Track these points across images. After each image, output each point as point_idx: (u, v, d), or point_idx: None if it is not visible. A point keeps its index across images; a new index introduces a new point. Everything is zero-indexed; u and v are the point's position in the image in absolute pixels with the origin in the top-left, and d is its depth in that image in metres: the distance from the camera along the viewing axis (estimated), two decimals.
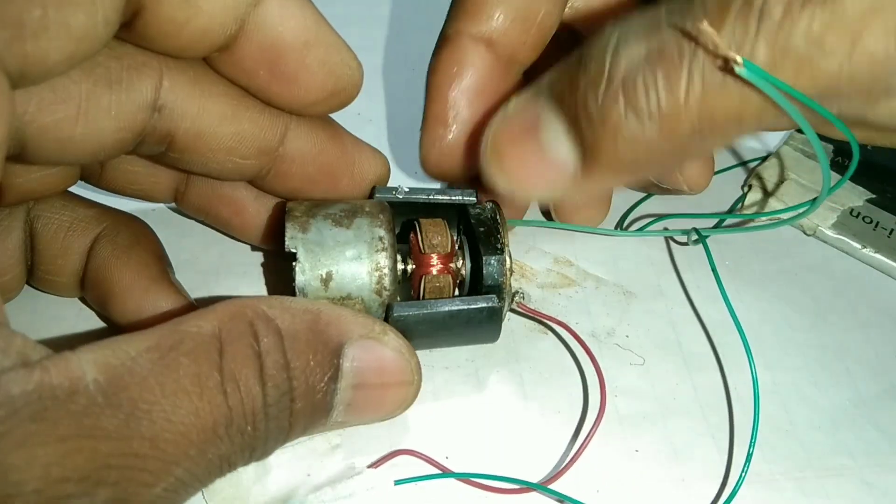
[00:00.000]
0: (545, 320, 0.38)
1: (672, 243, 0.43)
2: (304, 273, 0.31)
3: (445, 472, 0.33)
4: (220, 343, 0.25)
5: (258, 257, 0.41)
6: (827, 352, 0.39)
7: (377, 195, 0.35)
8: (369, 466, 0.33)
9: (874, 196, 0.45)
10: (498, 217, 0.34)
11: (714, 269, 0.37)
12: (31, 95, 0.26)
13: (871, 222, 0.44)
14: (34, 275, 0.35)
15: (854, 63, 0.23)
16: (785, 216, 0.42)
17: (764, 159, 0.47)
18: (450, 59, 0.34)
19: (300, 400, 0.26)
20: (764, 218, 0.44)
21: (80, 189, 0.36)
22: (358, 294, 0.32)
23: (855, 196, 0.45)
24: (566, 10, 0.36)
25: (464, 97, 0.34)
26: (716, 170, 0.43)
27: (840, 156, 0.47)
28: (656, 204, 0.45)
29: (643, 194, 0.45)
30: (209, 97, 0.31)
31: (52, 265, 0.34)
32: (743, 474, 0.32)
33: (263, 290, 0.40)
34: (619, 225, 0.44)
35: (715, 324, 0.39)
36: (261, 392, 0.25)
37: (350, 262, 0.32)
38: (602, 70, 0.26)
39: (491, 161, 0.32)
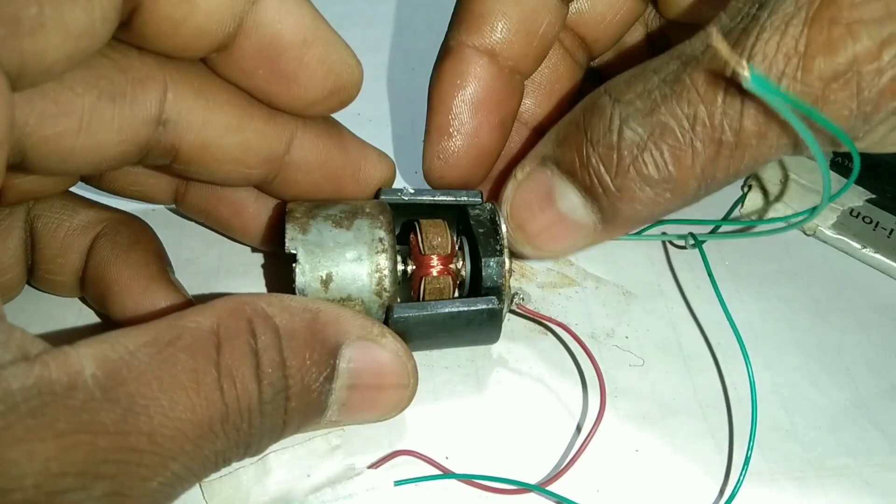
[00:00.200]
0: (545, 321, 0.38)
1: (670, 246, 0.43)
2: (305, 274, 0.31)
3: (445, 473, 0.33)
4: (218, 339, 0.25)
5: (258, 258, 0.41)
6: (827, 352, 0.39)
7: (382, 196, 0.35)
8: (369, 467, 0.33)
9: (874, 196, 0.45)
10: (497, 218, 0.34)
11: (710, 274, 0.37)
12: (33, 106, 0.26)
13: (871, 222, 0.44)
14: (34, 274, 0.35)
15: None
16: (782, 224, 0.42)
17: None
18: (452, 70, 0.35)
19: (295, 398, 0.26)
20: (762, 226, 0.44)
21: (81, 189, 0.36)
22: (358, 295, 0.32)
23: (855, 196, 0.45)
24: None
25: (467, 108, 0.35)
26: None
27: (840, 156, 0.47)
28: None
29: None
30: (213, 108, 0.31)
31: (52, 264, 0.34)
32: (742, 474, 0.32)
33: (263, 291, 0.40)
34: None
35: (714, 324, 0.39)
36: (257, 389, 0.25)
37: (350, 264, 0.32)
38: (611, 149, 0.30)
39: (515, 234, 0.35)
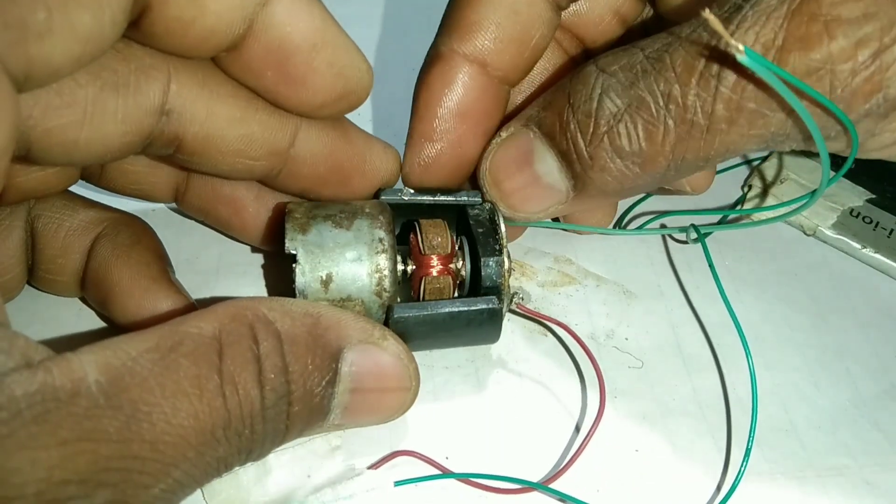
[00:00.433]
0: (545, 321, 0.38)
1: (671, 242, 0.43)
2: (305, 275, 0.31)
3: (445, 473, 0.33)
4: (220, 345, 0.25)
5: (258, 258, 0.41)
6: (827, 352, 0.39)
7: (383, 197, 0.35)
8: (369, 467, 0.33)
9: (874, 196, 0.45)
10: (496, 217, 0.34)
11: (712, 266, 0.37)
12: (36, 99, 0.26)
13: (871, 222, 0.44)
14: (35, 274, 0.35)
15: (796, 114, 0.27)
16: (784, 210, 0.42)
17: (764, 159, 0.47)
18: (441, 77, 0.34)
19: (297, 403, 0.26)
20: (764, 213, 0.44)
21: (81, 189, 0.36)
22: (358, 295, 0.32)
23: (855, 196, 0.45)
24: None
25: (452, 116, 0.35)
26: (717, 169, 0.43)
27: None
28: (655, 202, 0.45)
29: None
30: (218, 100, 0.31)
31: (52, 265, 0.34)
32: (741, 474, 0.32)
33: (263, 291, 0.40)
34: (618, 224, 0.44)
35: (714, 324, 0.39)
36: (259, 395, 0.25)
37: (350, 264, 0.32)
38: (589, 117, 0.31)
39: (490, 190, 0.36)
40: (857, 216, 0.44)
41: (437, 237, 0.34)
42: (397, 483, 0.32)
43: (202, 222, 0.40)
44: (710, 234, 0.40)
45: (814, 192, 0.32)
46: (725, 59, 0.27)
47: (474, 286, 0.34)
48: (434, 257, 0.33)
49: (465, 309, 0.33)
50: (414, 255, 0.34)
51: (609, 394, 0.36)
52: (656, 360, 0.38)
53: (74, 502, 0.21)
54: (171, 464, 0.23)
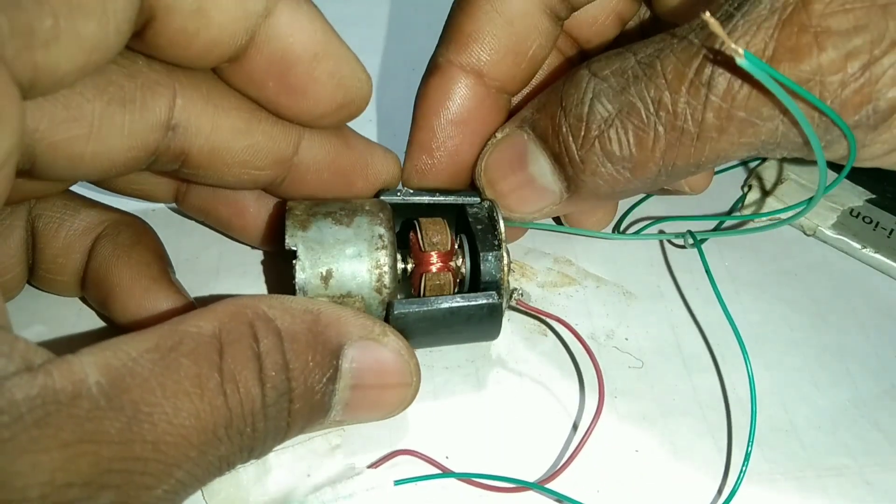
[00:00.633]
0: (544, 317, 0.38)
1: (670, 246, 0.43)
2: (305, 271, 0.31)
3: (445, 472, 0.33)
4: (220, 343, 0.25)
5: (258, 257, 0.41)
6: (827, 352, 0.39)
7: (382, 197, 0.35)
8: (369, 466, 0.33)
9: (874, 196, 0.45)
10: (495, 214, 0.34)
11: (709, 272, 0.37)
12: (43, 112, 0.26)
13: (871, 222, 0.44)
14: (35, 274, 0.35)
15: (787, 123, 0.28)
16: (783, 216, 0.42)
17: (764, 159, 0.47)
18: (439, 88, 0.35)
19: (298, 401, 0.26)
20: (763, 219, 0.44)
21: (81, 189, 0.36)
22: (358, 292, 0.32)
23: (855, 196, 0.45)
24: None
25: (450, 126, 0.35)
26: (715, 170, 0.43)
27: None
28: (654, 205, 0.45)
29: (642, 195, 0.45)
30: (222, 112, 0.31)
31: (52, 264, 0.34)
32: (741, 474, 0.32)
33: (263, 290, 0.40)
34: (617, 227, 0.44)
35: (714, 324, 0.39)
36: (260, 393, 0.25)
37: (350, 260, 0.32)
38: (580, 121, 0.31)
39: (486, 190, 0.36)
40: (857, 216, 0.44)
41: (436, 234, 0.34)
42: (397, 482, 0.32)
43: (202, 222, 0.40)
44: (706, 240, 0.40)
45: (810, 199, 0.32)
46: (716, 68, 0.27)
47: (474, 284, 0.34)
48: (434, 254, 0.33)
49: (465, 304, 0.33)
50: (414, 253, 0.34)
51: (609, 394, 0.36)
52: (656, 360, 0.38)
53: None
54: (173, 464, 0.23)
